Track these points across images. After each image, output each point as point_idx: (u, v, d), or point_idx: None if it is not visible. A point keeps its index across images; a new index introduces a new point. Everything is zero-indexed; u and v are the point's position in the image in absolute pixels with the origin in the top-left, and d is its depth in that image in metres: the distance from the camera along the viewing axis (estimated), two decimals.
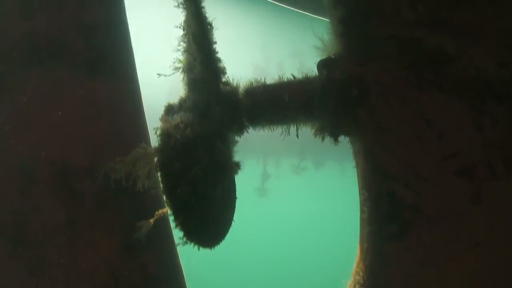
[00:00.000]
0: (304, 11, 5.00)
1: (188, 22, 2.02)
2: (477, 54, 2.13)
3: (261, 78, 2.21)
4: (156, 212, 2.05)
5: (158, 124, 2.02)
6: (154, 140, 2.40)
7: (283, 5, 5.03)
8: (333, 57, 2.22)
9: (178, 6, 2.13)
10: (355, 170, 2.41)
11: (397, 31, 2.18)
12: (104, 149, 2.35)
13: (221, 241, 2.05)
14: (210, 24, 2.20)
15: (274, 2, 4.99)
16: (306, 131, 2.38)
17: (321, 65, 2.15)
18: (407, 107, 2.12)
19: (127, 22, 2.66)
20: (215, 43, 2.17)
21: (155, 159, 1.79)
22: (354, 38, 2.23)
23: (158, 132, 1.89)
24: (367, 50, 2.17)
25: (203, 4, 2.08)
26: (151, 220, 2.01)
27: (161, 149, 1.75)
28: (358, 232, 2.58)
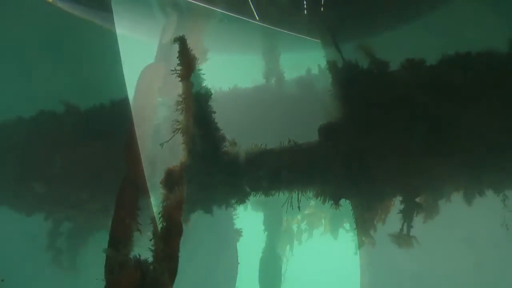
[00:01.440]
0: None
1: (187, 97, 2.00)
2: (479, 120, 2.11)
3: (260, 145, 2.19)
4: None
5: None
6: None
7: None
8: (334, 122, 2.20)
9: (176, 76, 2.11)
10: None
11: (401, 96, 2.16)
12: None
13: None
14: (209, 91, 2.18)
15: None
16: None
17: (324, 134, 2.12)
18: (408, 176, 2.11)
19: (124, 77, 2.63)
20: (214, 112, 2.15)
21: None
22: (356, 103, 2.21)
23: (162, 212, 1.87)
24: (369, 117, 2.15)
25: (204, 77, 2.06)
26: None
27: (164, 237, 1.73)
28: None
